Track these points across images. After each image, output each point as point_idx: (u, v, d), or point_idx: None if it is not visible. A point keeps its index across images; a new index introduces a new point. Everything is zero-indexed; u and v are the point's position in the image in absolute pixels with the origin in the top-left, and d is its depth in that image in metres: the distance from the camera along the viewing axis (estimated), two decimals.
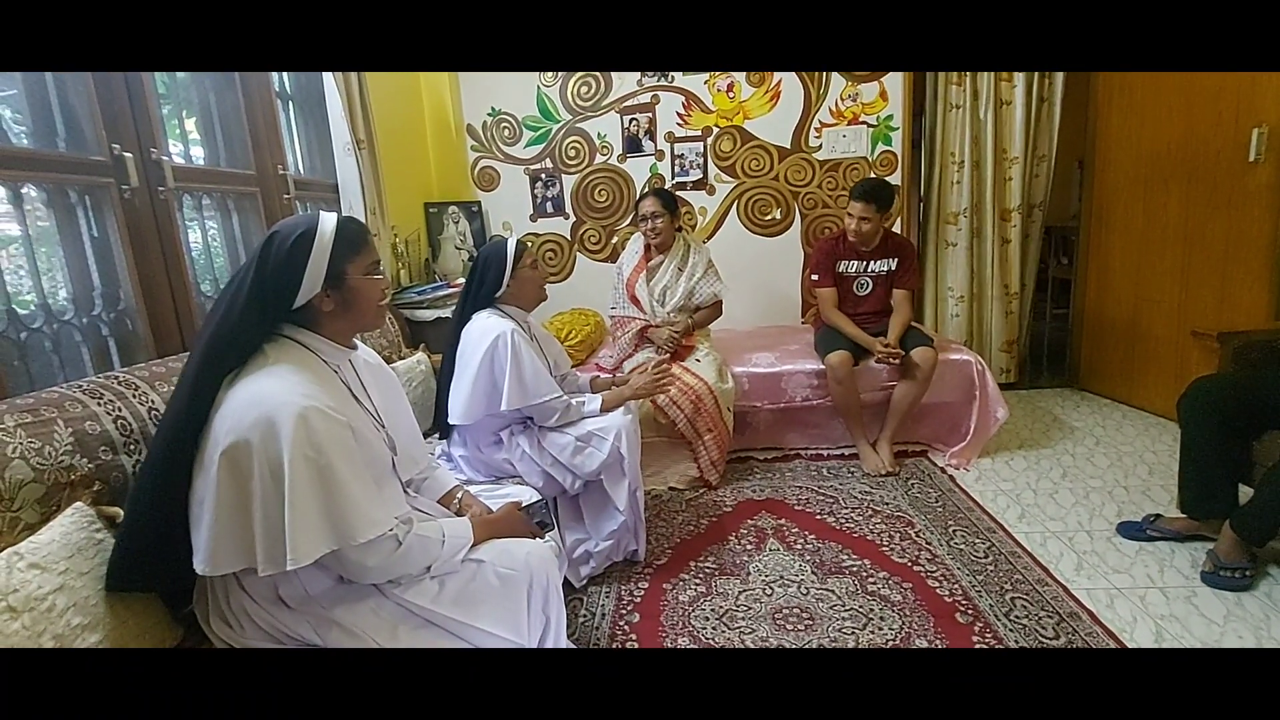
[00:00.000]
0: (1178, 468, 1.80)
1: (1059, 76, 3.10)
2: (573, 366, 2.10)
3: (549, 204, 3.46)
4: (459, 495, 1.34)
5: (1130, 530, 1.89)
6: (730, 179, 3.35)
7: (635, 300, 2.60)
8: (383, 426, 1.14)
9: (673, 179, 3.35)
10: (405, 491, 1.22)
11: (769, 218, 3.37)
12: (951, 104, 3.17)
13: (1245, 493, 1.69)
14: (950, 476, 2.36)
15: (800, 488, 2.32)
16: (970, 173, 3.19)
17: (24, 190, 1.39)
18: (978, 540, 1.90)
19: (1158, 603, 1.60)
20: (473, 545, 1.11)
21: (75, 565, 0.95)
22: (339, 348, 1.09)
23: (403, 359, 2.11)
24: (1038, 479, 2.32)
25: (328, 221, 1.03)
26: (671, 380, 2.35)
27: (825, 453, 2.63)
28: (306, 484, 0.90)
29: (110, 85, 1.51)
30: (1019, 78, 3.09)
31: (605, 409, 1.78)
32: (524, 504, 1.31)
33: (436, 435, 1.85)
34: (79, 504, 1.03)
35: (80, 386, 1.19)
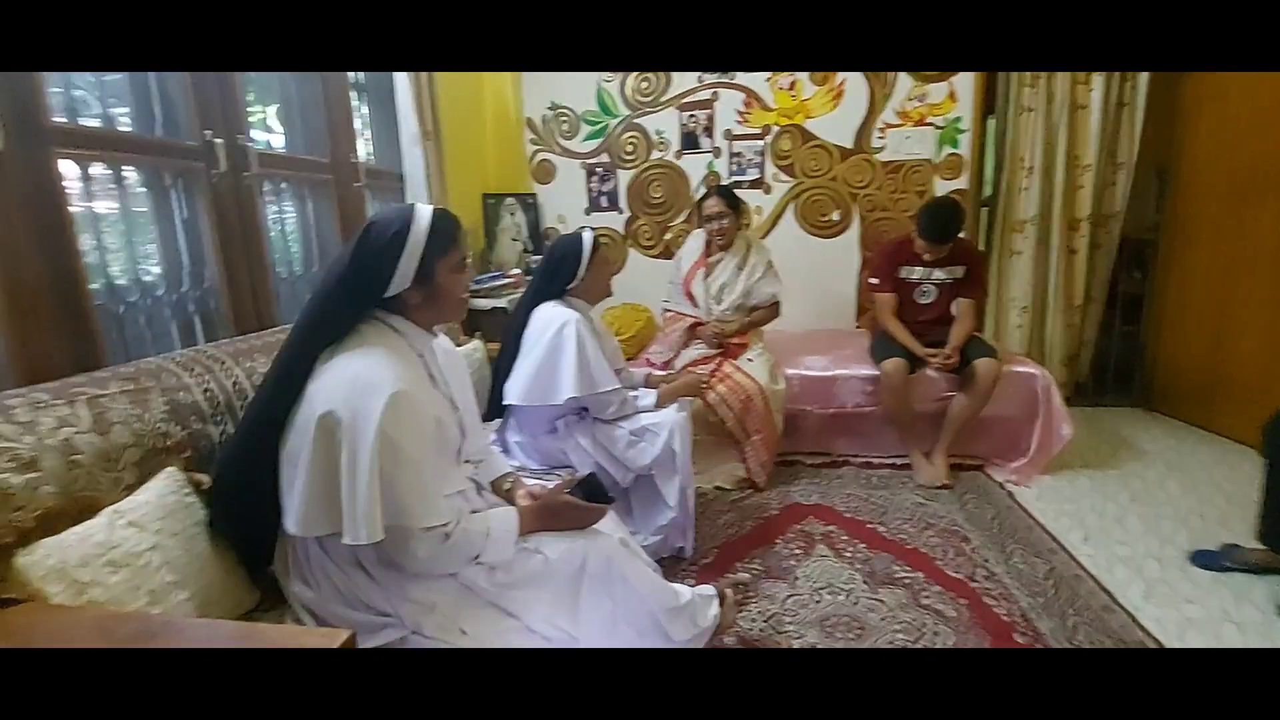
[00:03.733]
0: (1259, 497, 1.70)
1: (1142, 80, 2.95)
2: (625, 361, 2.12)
3: (604, 198, 3.48)
4: (509, 480, 1.36)
5: (1205, 559, 1.80)
6: (788, 179, 3.30)
7: (691, 297, 2.59)
8: (456, 410, 1.17)
9: (729, 177, 3.33)
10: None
11: (826, 219, 3.31)
12: (1024, 107, 3.05)
13: None
14: (1009, 493, 2.29)
15: (849, 495, 2.28)
16: (1040, 179, 3.07)
17: (124, 172, 1.48)
18: (1038, 560, 1.84)
19: (1232, 637, 1.51)
20: (523, 533, 1.12)
21: (168, 526, 1.01)
22: (424, 333, 1.13)
23: (460, 346, 2.16)
24: (1104, 501, 2.22)
25: (422, 217, 1.04)
26: (719, 378, 2.35)
27: (875, 461, 2.57)
28: (385, 463, 0.94)
29: (204, 74, 1.58)
30: (1097, 81, 2.95)
31: (660, 405, 1.79)
32: (578, 478, 1.29)
33: (490, 421, 1.88)
34: (171, 469, 1.10)
35: (173, 358, 1.26)
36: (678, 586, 1.31)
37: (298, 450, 0.97)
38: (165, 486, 1.06)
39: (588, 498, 1.20)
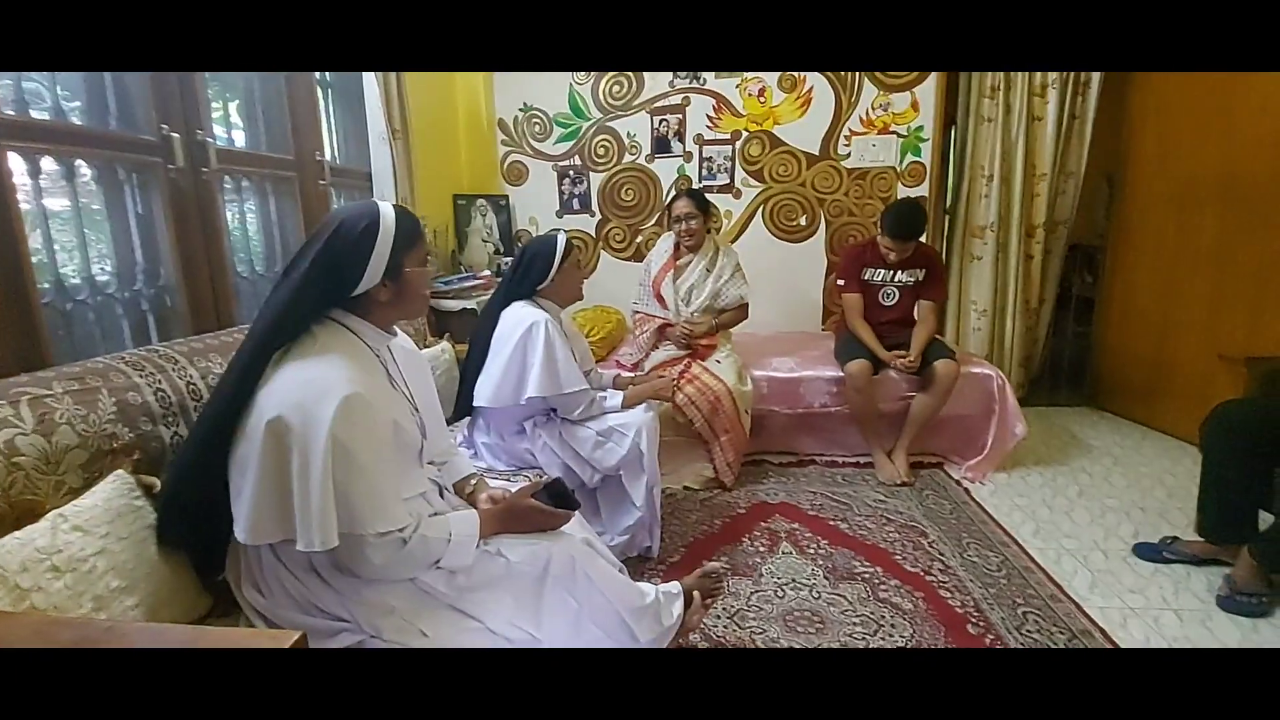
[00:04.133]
0: (1198, 491, 1.79)
1: (1092, 94, 3.07)
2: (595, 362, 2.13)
3: (575, 200, 3.49)
4: (473, 482, 1.34)
5: (1146, 551, 1.88)
6: (757, 183, 3.35)
7: (660, 299, 2.62)
8: (416, 411, 1.17)
9: (700, 181, 3.36)
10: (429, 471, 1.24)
11: (794, 223, 3.37)
12: (984, 117, 3.16)
13: (1265, 520, 1.68)
14: (965, 489, 2.36)
15: (814, 493, 2.33)
16: (999, 187, 3.17)
17: (76, 165, 1.44)
18: (991, 554, 1.90)
19: (1171, 625, 1.59)
20: (483, 538, 1.11)
21: (115, 530, 0.99)
22: (382, 333, 1.12)
23: (427, 347, 2.14)
24: (1053, 496, 2.31)
25: (388, 215, 1.04)
26: (688, 380, 2.37)
27: (840, 459, 2.63)
28: (337, 468, 0.92)
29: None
30: (1052, 94, 3.07)
31: (627, 405, 1.80)
32: (544, 482, 1.29)
33: (459, 421, 1.88)
34: (119, 471, 1.07)
35: (123, 358, 1.23)
36: (643, 585, 1.32)
37: (246, 457, 0.95)
38: (113, 490, 1.03)
39: (553, 502, 1.19)
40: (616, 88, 3.33)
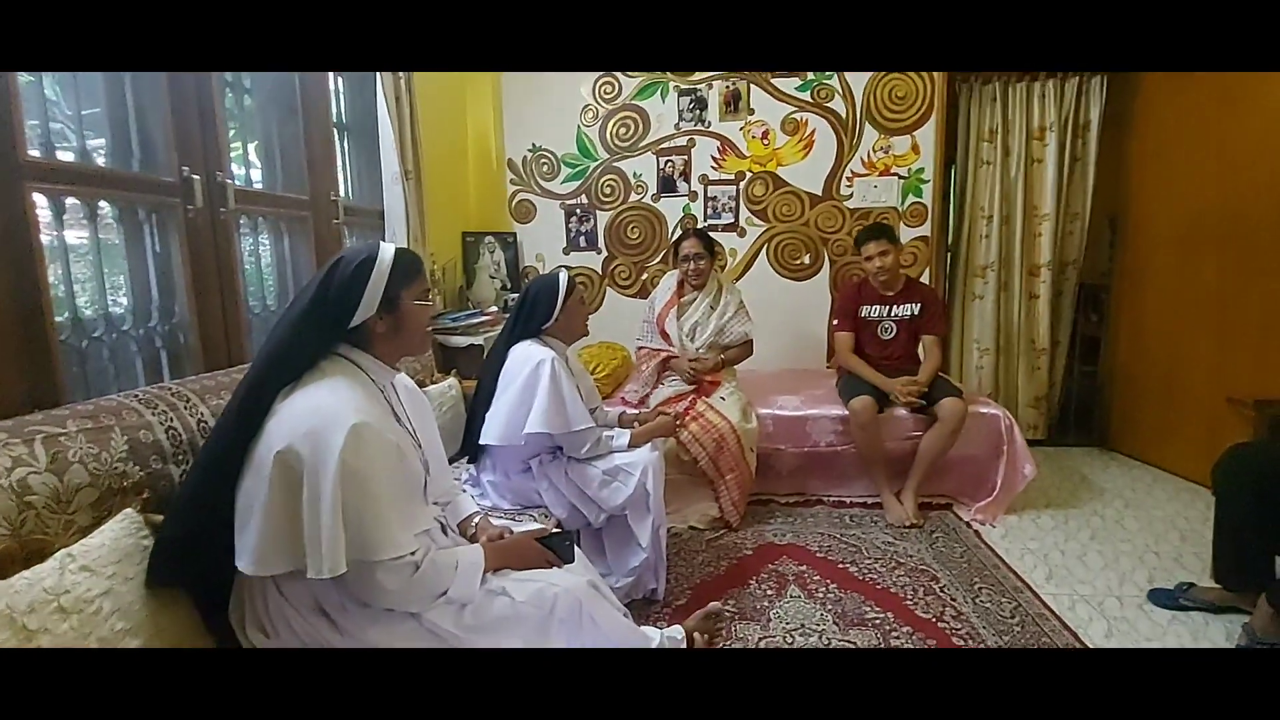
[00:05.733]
0: (1212, 536, 1.76)
1: (1092, 136, 3.13)
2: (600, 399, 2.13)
3: (582, 238, 3.54)
4: (476, 521, 1.35)
5: (1162, 598, 1.84)
6: (761, 223, 3.40)
7: (665, 335, 2.63)
8: (419, 446, 1.17)
9: (705, 220, 3.42)
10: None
11: (798, 262, 3.41)
12: (983, 160, 3.22)
13: None
14: (976, 532, 2.32)
15: (822, 534, 2.30)
16: (999, 228, 3.21)
17: (98, 206, 1.47)
18: (1004, 600, 1.86)
19: None
20: (487, 571, 1.12)
21: (122, 570, 0.98)
22: (385, 368, 1.14)
23: (434, 384, 2.15)
24: (1065, 539, 2.27)
25: (387, 250, 1.10)
26: (692, 417, 2.37)
27: (848, 500, 2.60)
28: (348, 494, 0.93)
29: (184, 109, 1.60)
30: (1051, 136, 3.14)
31: (634, 444, 1.80)
32: (551, 531, 1.31)
33: (466, 459, 1.87)
34: (129, 510, 1.06)
35: (136, 396, 1.23)
36: (647, 630, 1.30)
37: (254, 489, 0.96)
38: (122, 529, 1.03)
39: (551, 549, 1.23)
40: (623, 129, 3.41)
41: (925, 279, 3.23)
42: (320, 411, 0.96)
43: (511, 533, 1.30)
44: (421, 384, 2.08)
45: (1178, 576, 1.93)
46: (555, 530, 1.30)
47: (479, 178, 3.45)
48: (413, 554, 1.01)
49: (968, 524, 2.39)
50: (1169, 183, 2.95)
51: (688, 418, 2.38)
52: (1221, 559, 1.74)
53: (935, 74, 3.16)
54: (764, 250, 3.42)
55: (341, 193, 2.32)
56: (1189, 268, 2.83)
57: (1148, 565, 2.08)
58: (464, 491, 1.44)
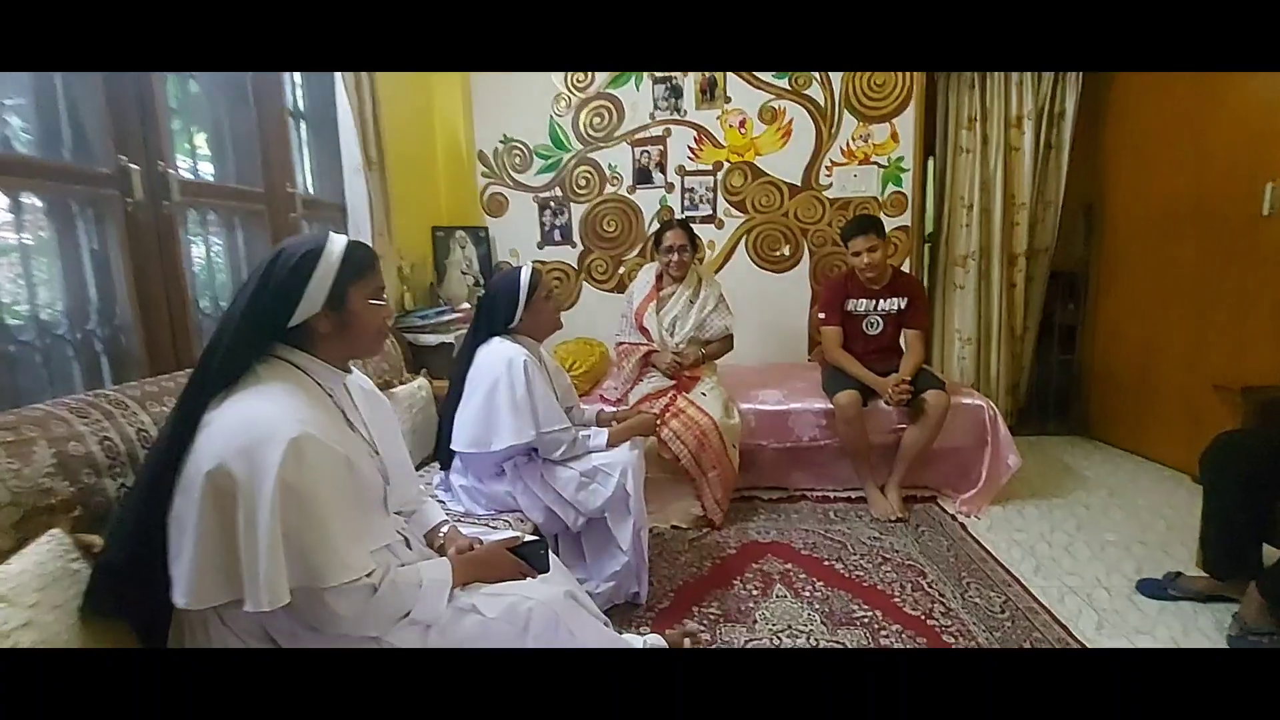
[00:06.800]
0: (1200, 525, 1.75)
1: (1067, 125, 3.13)
2: (578, 397, 2.05)
3: (557, 232, 3.45)
4: (444, 531, 1.26)
5: (1151, 588, 1.82)
6: (740, 214, 3.34)
7: (644, 330, 2.56)
8: (376, 454, 1.09)
9: (682, 211, 3.34)
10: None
11: (778, 254, 3.35)
12: (962, 148, 3.20)
13: (1270, 554, 1.64)
14: (961, 524, 2.29)
15: (807, 531, 2.25)
16: (980, 217, 3.19)
17: (23, 199, 1.35)
18: (993, 594, 1.83)
19: None
20: (455, 586, 1.04)
21: (47, 598, 0.88)
22: (333, 370, 1.05)
23: (404, 384, 2.05)
24: (1051, 530, 2.25)
25: (336, 242, 1.00)
26: (673, 414, 2.30)
27: (832, 495, 2.56)
28: (288, 517, 0.84)
29: (122, 97, 1.48)
30: (1028, 125, 3.12)
31: (612, 443, 1.72)
32: (522, 541, 1.23)
33: (437, 464, 1.78)
34: (55, 530, 0.96)
35: (67, 404, 1.12)
36: (629, 638, 1.23)
37: (185, 513, 0.86)
38: (47, 552, 0.92)
39: (524, 559, 1.15)
40: (597, 119, 3.32)
41: (906, 269, 3.20)
42: (255, 424, 0.86)
43: (482, 543, 1.21)
44: (390, 385, 1.98)
45: (1165, 566, 1.91)
46: (529, 538, 1.22)
47: (449, 170, 3.34)
48: (369, 575, 0.92)
49: (953, 516, 2.36)
50: (1145, 171, 2.95)
51: (668, 414, 2.31)
52: (1210, 548, 1.72)
53: None
54: (743, 242, 3.36)
55: (299, 185, 2.20)
56: (1165, 255, 2.84)
57: (1135, 555, 2.06)
58: (432, 498, 1.36)
